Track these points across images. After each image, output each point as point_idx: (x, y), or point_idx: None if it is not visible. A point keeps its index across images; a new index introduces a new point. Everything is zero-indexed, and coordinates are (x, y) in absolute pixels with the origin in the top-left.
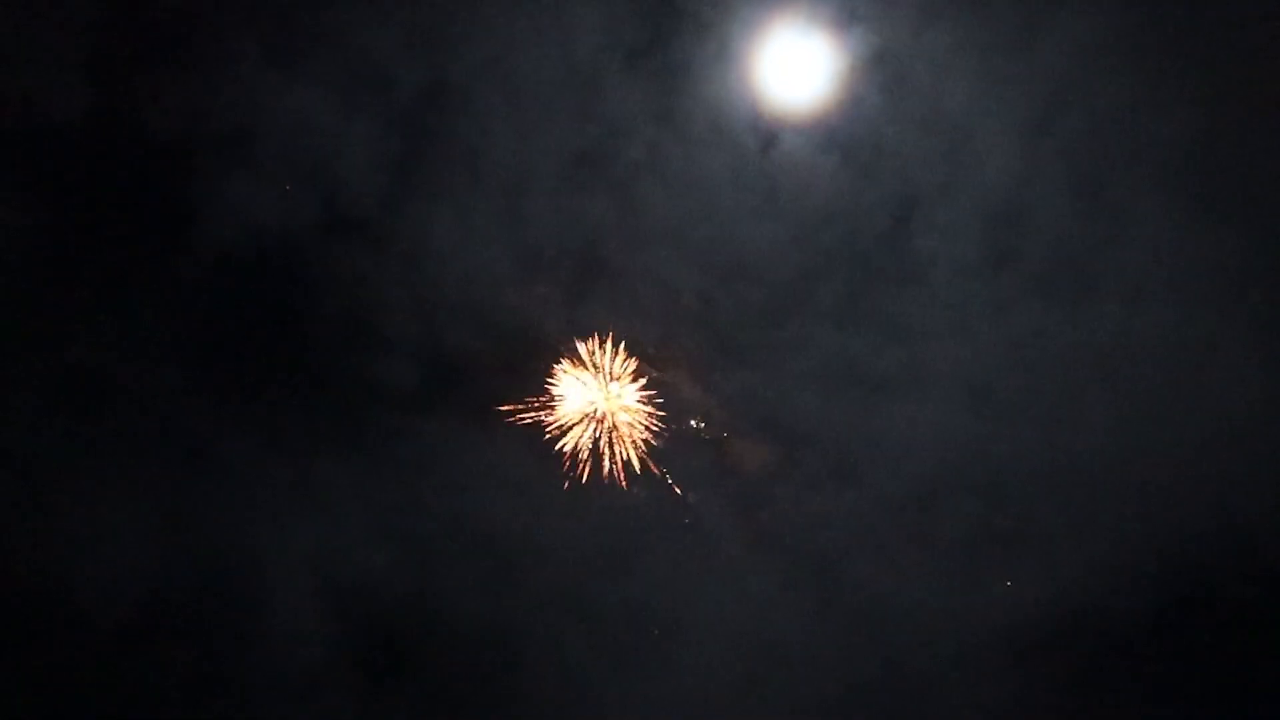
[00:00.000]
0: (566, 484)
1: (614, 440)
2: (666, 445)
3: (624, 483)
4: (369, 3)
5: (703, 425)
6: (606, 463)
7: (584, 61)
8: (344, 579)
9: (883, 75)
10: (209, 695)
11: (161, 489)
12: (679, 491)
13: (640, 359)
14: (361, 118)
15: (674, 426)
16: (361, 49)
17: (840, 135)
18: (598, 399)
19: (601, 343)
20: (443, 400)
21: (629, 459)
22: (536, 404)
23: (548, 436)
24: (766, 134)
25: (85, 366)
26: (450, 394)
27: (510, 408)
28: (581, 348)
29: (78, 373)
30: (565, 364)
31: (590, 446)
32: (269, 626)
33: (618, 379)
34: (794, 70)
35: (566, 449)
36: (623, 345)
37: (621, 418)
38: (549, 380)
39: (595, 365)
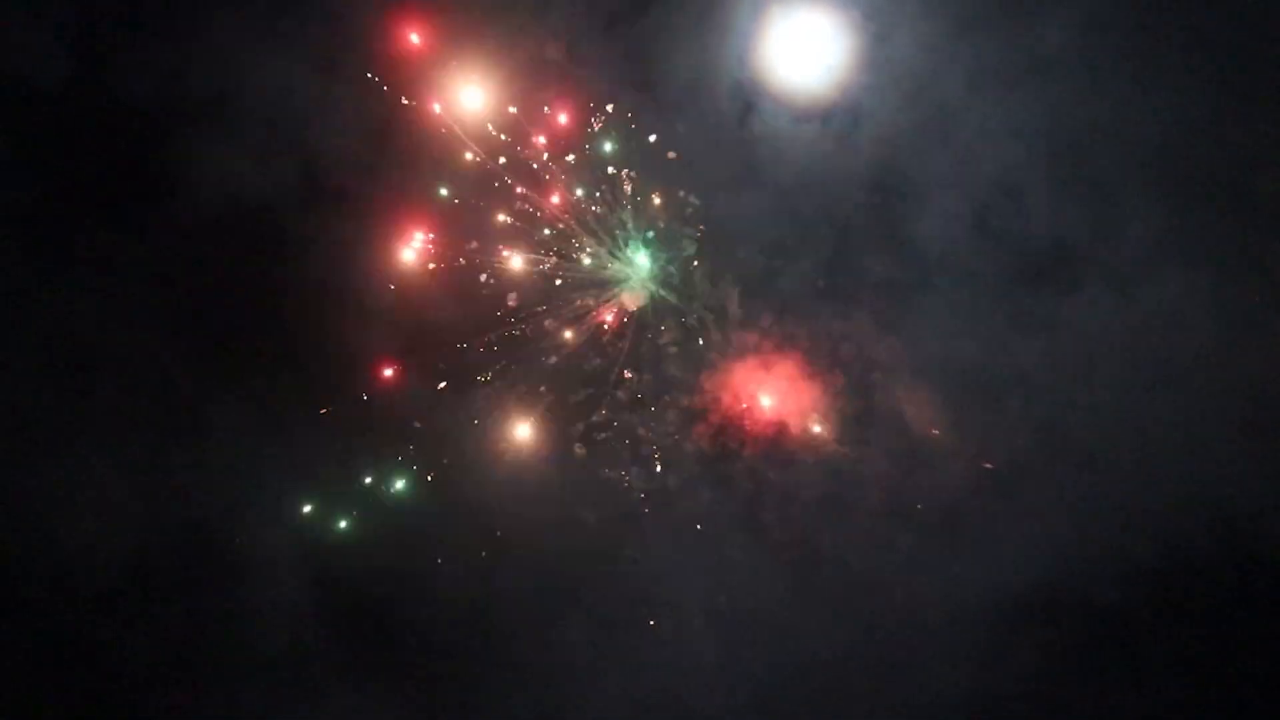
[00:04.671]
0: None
1: None
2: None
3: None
4: None
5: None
6: None
7: (561, 28)
8: (326, 548)
9: (864, 44)
10: (190, 663)
11: (142, 457)
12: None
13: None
14: (340, 84)
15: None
16: (339, 14)
17: (820, 104)
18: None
19: None
20: (424, 369)
21: None
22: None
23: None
24: (745, 102)
25: (63, 333)
26: (431, 362)
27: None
28: None
29: (56, 340)
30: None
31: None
32: (250, 595)
33: None
34: (773, 38)
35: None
36: None
37: None
38: None
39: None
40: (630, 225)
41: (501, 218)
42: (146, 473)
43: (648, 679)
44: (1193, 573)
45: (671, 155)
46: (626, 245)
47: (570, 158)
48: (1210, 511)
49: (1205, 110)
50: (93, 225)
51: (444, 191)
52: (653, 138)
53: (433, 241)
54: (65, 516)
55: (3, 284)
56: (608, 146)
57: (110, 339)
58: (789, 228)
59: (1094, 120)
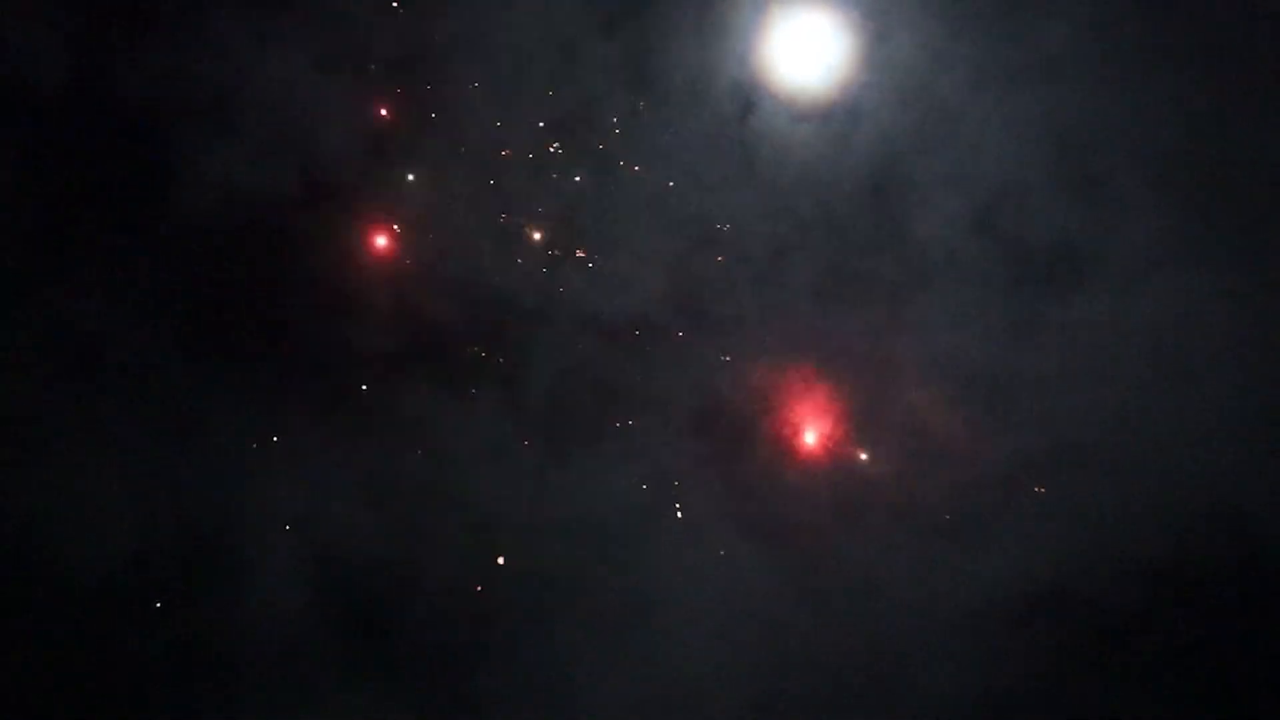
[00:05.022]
0: None
1: None
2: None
3: None
4: None
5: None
6: None
7: (561, 27)
8: (325, 545)
9: (864, 42)
10: (189, 659)
11: (142, 454)
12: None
13: None
14: (340, 83)
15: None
16: (339, 15)
17: (820, 102)
18: None
19: None
20: (422, 368)
21: None
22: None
23: None
24: (745, 101)
25: (63, 331)
26: (429, 362)
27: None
28: None
29: (57, 337)
30: None
31: None
32: (249, 592)
33: None
34: (773, 36)
35: None
36: None
37: None
38: None
39: None
40: (639, 225)
41: (506, 217)
42: (146, 471)
43: (648, 679)
44: (1201, 572)
45: (676, 155)
46: (636, 245)
47: (575, 153)
48: (1220, 511)
49: (1212, 109)
50: (94, 224)
51: (448, 189)
52: (661, 135)
53: (437, 240)
54: (63, 515)
55: (3, 282)
56: (611, 146)
57: (111, 338)
58: (795, 227)
59: (1099, 119)
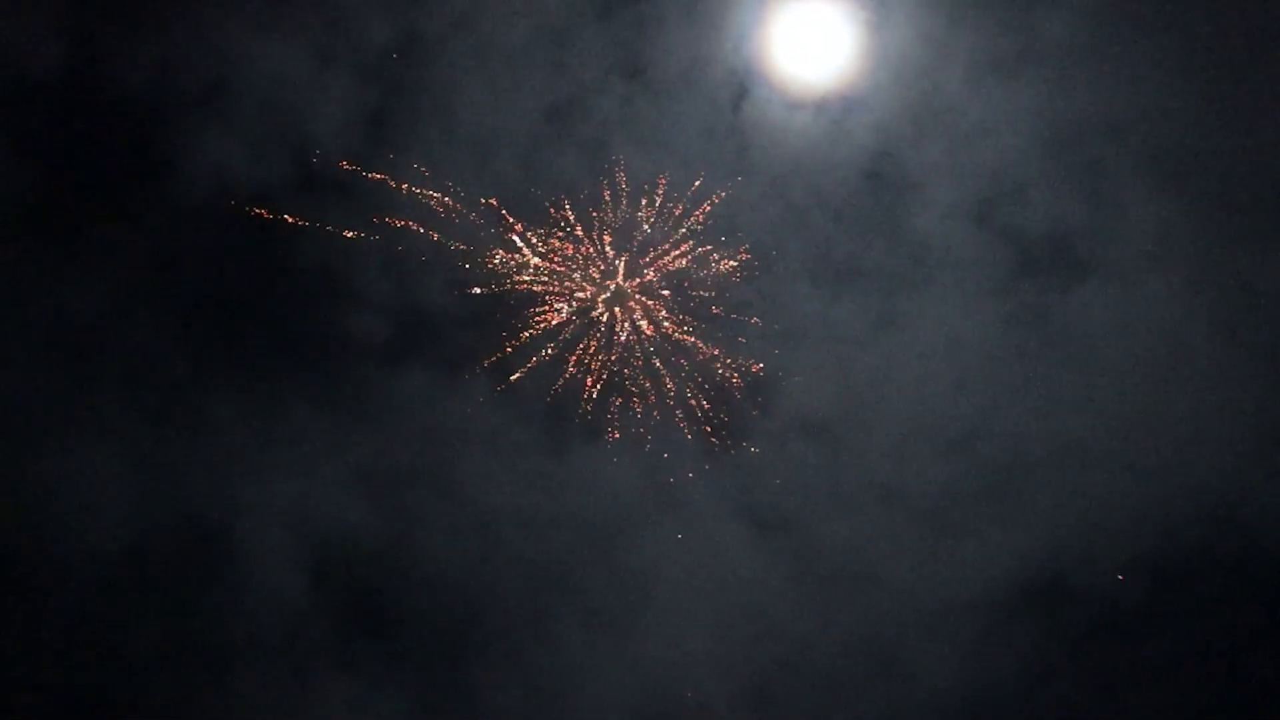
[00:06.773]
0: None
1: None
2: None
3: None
4: None
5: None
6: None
7: (555, 15)
8: (320, 533)
9: (860, 30)
10: (185, 648)
11: (138, 442)
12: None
13: None
14: (334, 72)
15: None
16: (334, 2)
17: (815, 91)
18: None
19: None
20: (416, 355)
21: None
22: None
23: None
24: (739, 88)
25: (58, 320)
26: (423, 349)
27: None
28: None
29: (52, 326)
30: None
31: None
32: (245, 580)
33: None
34: (766, 24)
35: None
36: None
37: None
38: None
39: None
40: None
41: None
42: (142, 459)
43: (643, 671)
44: (1196, 566)
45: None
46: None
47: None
48: (1216, 506)
49: (1213, 102)
50: (92, 215)
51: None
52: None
53: (433, 232)
54: (62, 505)
55: (3, 275)
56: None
57: (108, 328)
58: (788, 217)
59: (1100, 111)
